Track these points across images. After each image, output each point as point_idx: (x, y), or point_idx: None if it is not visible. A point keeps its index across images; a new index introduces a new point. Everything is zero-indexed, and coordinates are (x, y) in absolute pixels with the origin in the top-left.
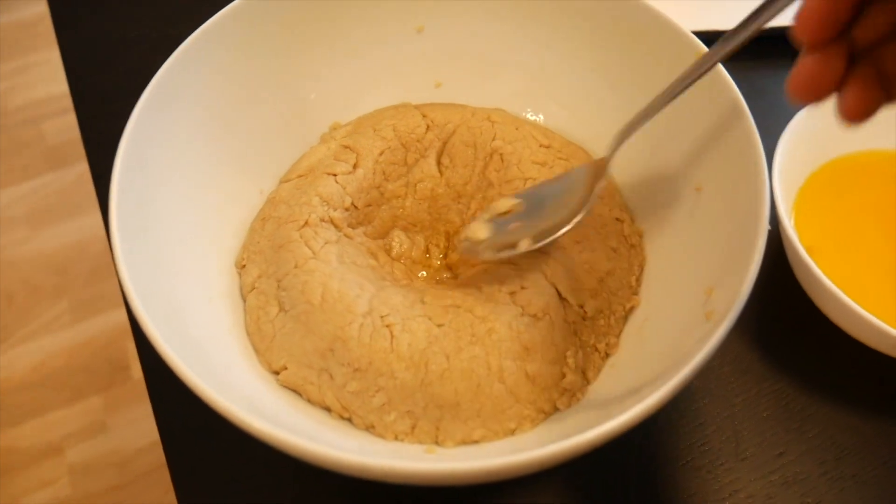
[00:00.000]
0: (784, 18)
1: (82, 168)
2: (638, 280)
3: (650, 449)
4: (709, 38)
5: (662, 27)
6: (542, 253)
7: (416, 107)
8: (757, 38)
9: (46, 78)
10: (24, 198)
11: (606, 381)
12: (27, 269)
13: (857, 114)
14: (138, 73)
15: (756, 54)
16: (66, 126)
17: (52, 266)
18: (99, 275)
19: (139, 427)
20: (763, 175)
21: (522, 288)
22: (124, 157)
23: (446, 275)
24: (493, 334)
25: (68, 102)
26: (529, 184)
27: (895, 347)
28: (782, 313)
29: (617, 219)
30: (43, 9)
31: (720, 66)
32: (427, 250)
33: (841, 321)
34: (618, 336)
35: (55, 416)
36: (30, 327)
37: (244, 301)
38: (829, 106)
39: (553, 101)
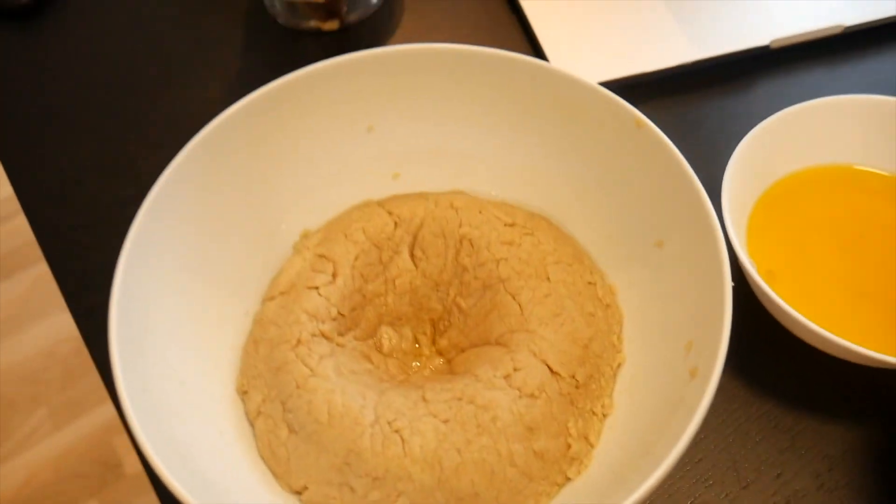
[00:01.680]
0: (704, 51)
1: (36, 271)
2: (619, 337)
3: (657, 492)
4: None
5: (597, 97)
6: (526, 332)
7: (380, 204)
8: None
9: None
10: None
11: (609, 443)
12: None
13: None
14: (82, 167)
15: (686, 88)
16: (10, 232)
17: (23, 376)
18: (73, 376)
19: None
20: (717, 234)
21: (515, 370)
22: (120, 294)
23: (439, 360)
24: (497, 421)
25: (7, 210)
26: (502, 265)
27: (863, 359)
28: (756, 338)
29: (589, 282)
30: None
31: (658, 132)
32: (416, 340)
33: (808, 340)
34: (611, 396)
35: None
36: (11, 443)
37: (252, 426)
38: (771, 130)
39: (509, 177)
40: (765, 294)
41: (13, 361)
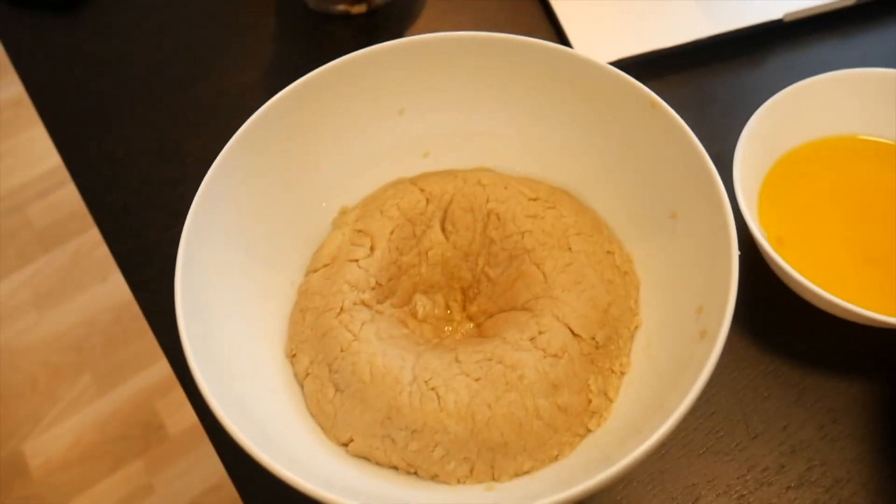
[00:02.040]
0: (718, 26)
1: (75, 245)
2: (636, 302)
3: (672, 442)
4: (632, 62)
5: (614, 79)
6: (550, 298)
7: (412, 181)
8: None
9: (19, 165)
10: (25, 284)
11: (626, 398)
12: (44, 351)
13: None
14: (131, 150)
15: (701, 62)
16: (50, 207)
17: (67, 344)
18: (114, 344)
19: (185, 481)
20: (725, 208)
21: (540, 333)
22: (182, 272)
23: (469, 325)
24: (524, 379)
25: (46, 184)
26: (527, 237)
27: (866, 320)
28: (765, 302)
29: (608, 252)
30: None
31: (671, 112)
32: (448, 306)
33: (815, 303)
34: (628, 355)
35: (101, 488)
36: (58, 407)
37: (301, 386)
38: (781, 105)
39: (532, 154)
40: (773, 260)
41: (58, 331)
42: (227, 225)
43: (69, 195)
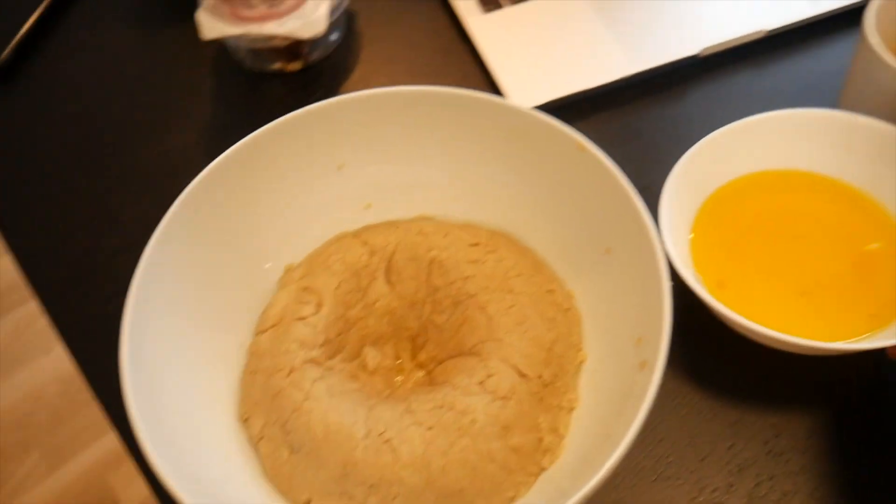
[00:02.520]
0: (640, 65)
1: (15, 317)
2: (579, 337)
3: (624, 472)
4: (561, 104)
5: (543, 125)
6: (495, 341)
7: (355, 235)
8: (624, 84)
9: None
10: None
11: (576, 432)
12: None
13: None
14: (71, 222)
15: (626, 99)
16: None
17: (12, 422)
18: (62, 417)
19: None
20: (654, 243)
21: (489, 376)
22: (129, 343)
23: (420, 373)
24: (476, 423)
25: None
26: (470, 282)
27: (806, 349)
28: (703, 329)
29: (548, 290)
30: None
31: (598, 155)
32: (398, 356)
33: (756, 340)
34: (575, 390)
35: None
36: (6, 489)
37: (256, 450)
38: (703, 151)
39: (470, 199)
40: (712, 306)
41: (1, 408)
42: (172, 292)
43: (6, 267)
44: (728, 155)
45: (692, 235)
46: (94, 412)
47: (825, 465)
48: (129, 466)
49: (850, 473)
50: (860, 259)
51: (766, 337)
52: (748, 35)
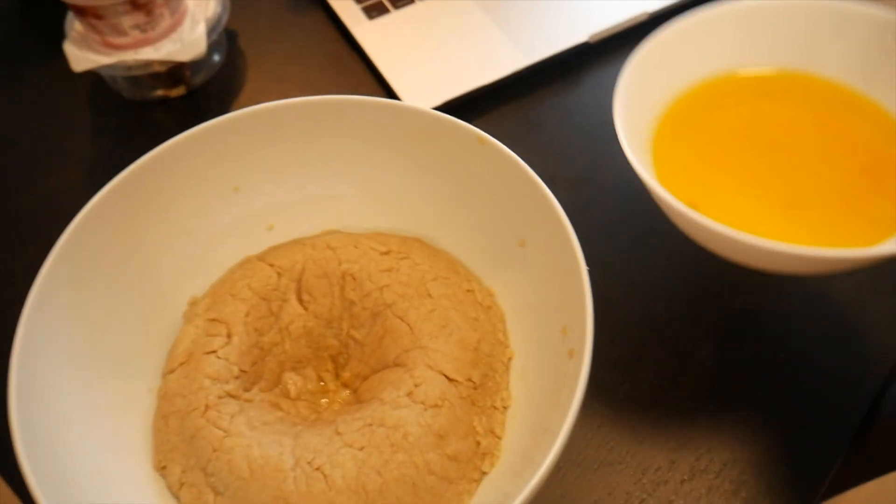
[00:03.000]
0: (532, 56)
1: None
2: (504, 334)
3: (567, 464)
4: (458, 103)
5: (441, 123)
6: (420, 349)
7: (260, 258)
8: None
9: None
10: None
11: (513, 431)
12: None
13: None
14: None
15: (523, 92)
16: None
17: None
18: None
19: None
20: (567, 229)
21: (416, 386)
22: (17, 405)
23: (346, 392)
24: (409, 437)
25: None
26: (386, 291)
27: (817, 263)
28: (622, 304)
29: (467, 290)
30: None
31: (498, 145)
32: (320, 378)
33: (744, 259)
34: (507, 388)
35: None
36: None
37: (177, 499)
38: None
39: (377, 207)
40: (686, 218)
41: None
42: (64, 342)
43: None
44: (684, 56)
45: (652, 152)
46: None
47: (757, 432)
48: None
49: (781, 436)
50: (855, 167)
51: (762, 251)
52: (633, 18)
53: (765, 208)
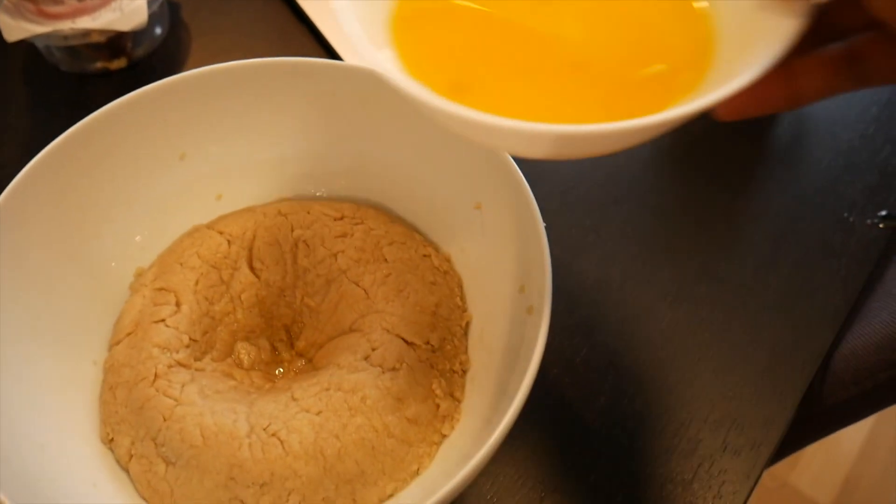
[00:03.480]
0: None
1: None
2: (462, 298)
3: (527, 426)
4: None
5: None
6: (376, 313)
7: (209, 226)
8: None
9: None
10: None
11: (472, 394)
12: None
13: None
14: None
15: None
16: None
17: None
18: None
19: None
20: (523, 185)
21: (373, 349)
22: None
23: (301, 361)
24: (367, 400)
25: None
26: (340, 257)
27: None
28: (580, 277)
29: (424, 255)
30: None
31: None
32: (274, 348)
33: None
34: (466, 352)
35: None
36: None
37: (127, 472)
38: None
39: (331, 175)
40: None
41: None
42: (2, 315)
43: None
44: None
45: (394, 39)
46: None
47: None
48: None
49: (735, 395)
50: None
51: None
52: None
53: (549, 78)
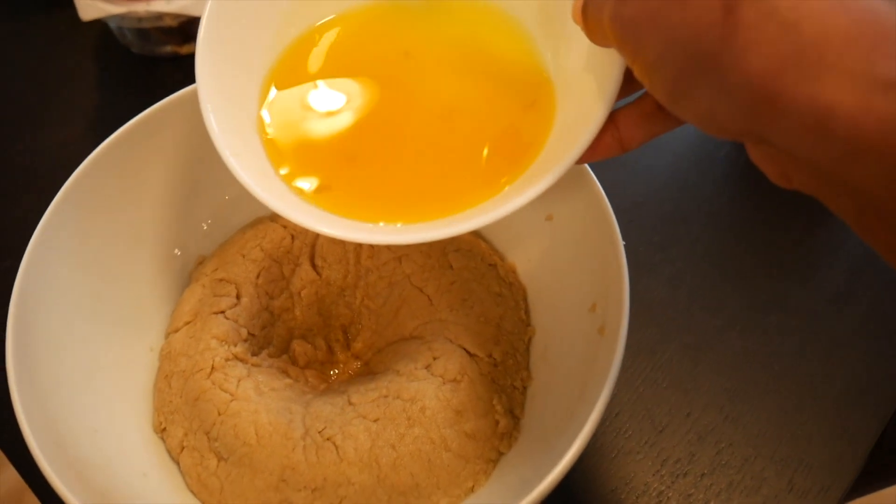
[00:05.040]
0: None
1: None
2: (526, 312)
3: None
4: None
5: None
6: (439, 321)
7: (272, 219)
8: None
9: None
10: None
11: (533, 412)
12: None
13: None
14: None
15: None
16: None
17: None
18: None
19: None
20: (602, 200)
21: (435, 359)
22: (15, 360)
23: (356, 364)
24: (426, 411)
25: None
26: (404, 261)
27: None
28: (648, 295)
29: (490, 265)
30: None
31: None
32: (330, 348)
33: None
34: (528, 368)
35: None
36: None
37: (177, 463)
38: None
39: None
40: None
41: None
42: (62, 298)
43: None
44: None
45: (266, 134)
46: None
47: (779, 427)
48: (30, 499)
49: (806, 434)
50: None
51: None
52: None
53: (411, 172)
